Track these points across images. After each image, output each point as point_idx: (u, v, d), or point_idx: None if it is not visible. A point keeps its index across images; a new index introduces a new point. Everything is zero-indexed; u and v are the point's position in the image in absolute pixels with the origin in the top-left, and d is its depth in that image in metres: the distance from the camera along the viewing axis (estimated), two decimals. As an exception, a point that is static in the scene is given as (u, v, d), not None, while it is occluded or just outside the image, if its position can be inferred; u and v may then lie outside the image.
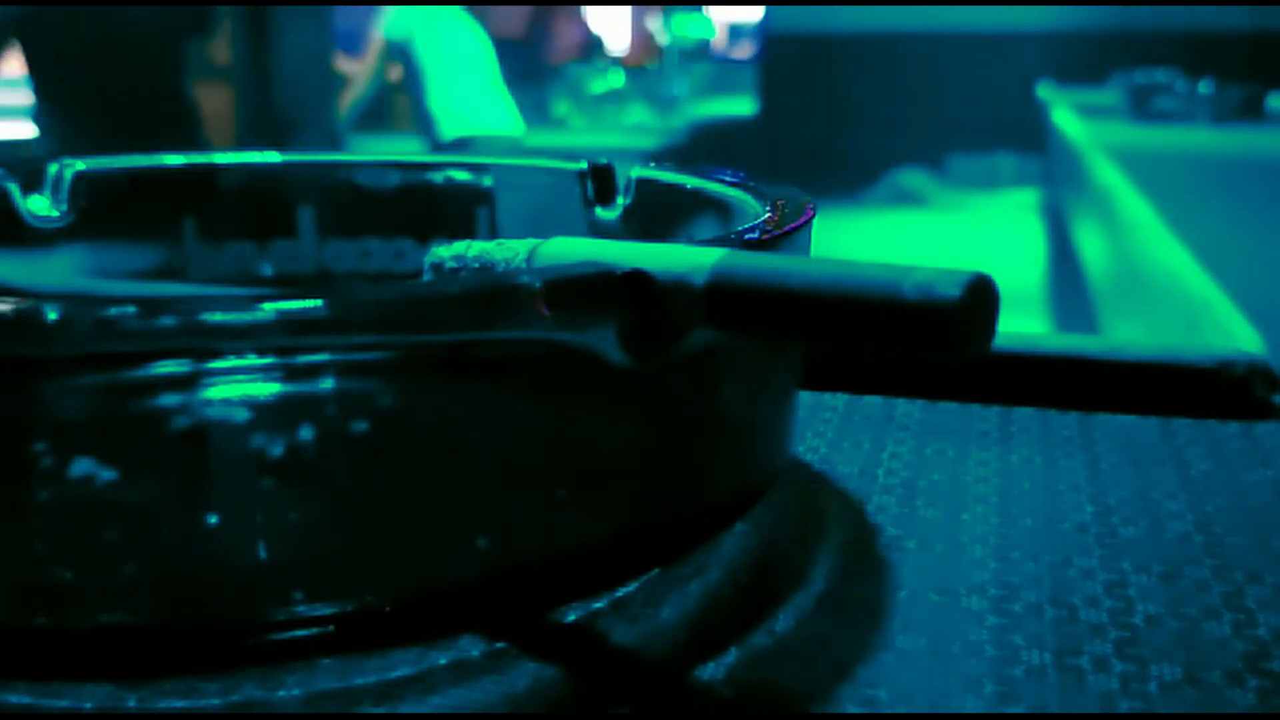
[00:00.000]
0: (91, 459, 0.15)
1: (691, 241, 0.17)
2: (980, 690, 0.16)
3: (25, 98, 1.74)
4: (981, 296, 0.14)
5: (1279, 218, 1.02)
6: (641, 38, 4.34)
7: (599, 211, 0.29)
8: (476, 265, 0.21)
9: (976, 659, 0.17)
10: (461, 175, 0.31)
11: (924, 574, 0.20)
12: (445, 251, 0.22)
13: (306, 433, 0.16)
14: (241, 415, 0.15)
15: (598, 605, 0.18)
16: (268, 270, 0.31)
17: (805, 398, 0.29)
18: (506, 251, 0.20)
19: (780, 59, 3.83)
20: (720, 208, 0.25)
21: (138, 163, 0.31)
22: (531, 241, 0.20)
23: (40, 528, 0.15)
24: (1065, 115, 2.03)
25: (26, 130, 1.81)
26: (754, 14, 4.01)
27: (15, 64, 1.82)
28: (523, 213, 0.31)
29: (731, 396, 0.20)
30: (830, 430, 0.27)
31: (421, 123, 2.29)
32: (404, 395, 0.16)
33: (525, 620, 0.18)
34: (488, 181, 0.31)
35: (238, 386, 0.15)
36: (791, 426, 0.23)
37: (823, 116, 3.74)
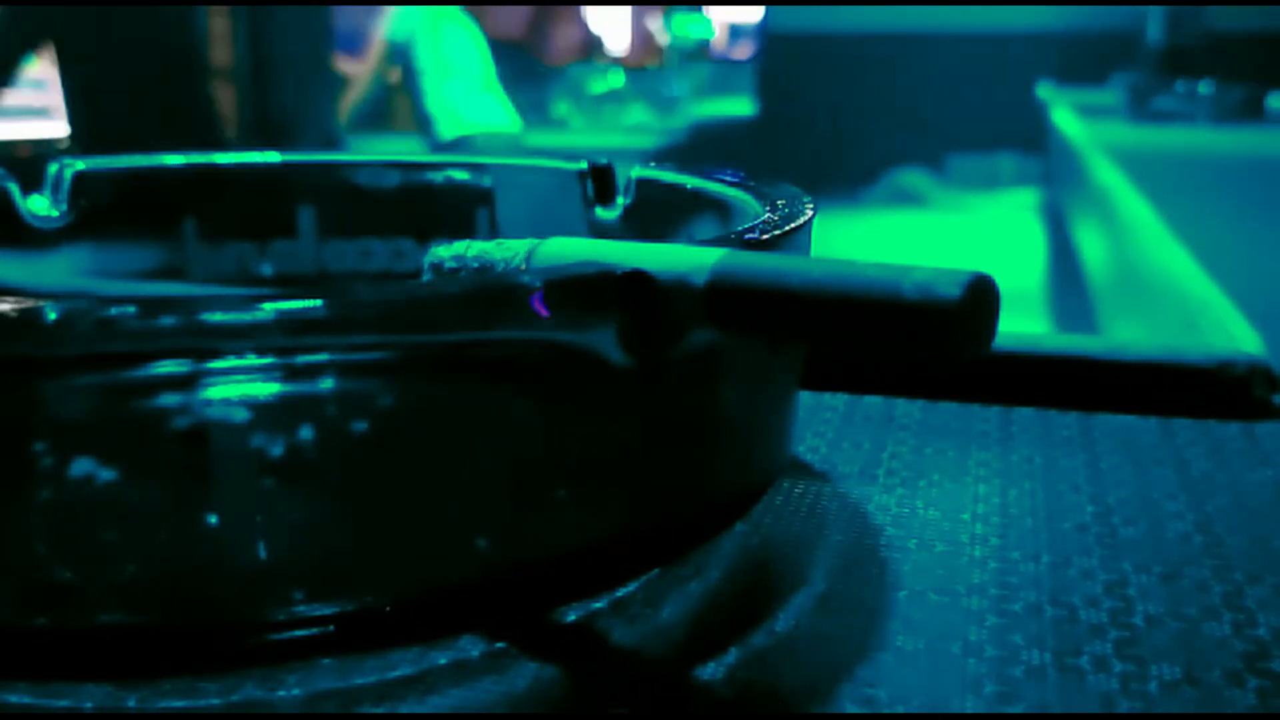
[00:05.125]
0: (91, 459, 0.15)
1: (691, 241, 0.17)
2: (980, 690, 0.16)
3: (49, 98, 1.75)
4: (982, 296, 0.14)
5: (1279, 218, 1.02)
6: (641, 38, 4.34)
7: (599, 211, 0.29)
8: (476, 265, 0.21)
9: (976, 659, 0.17)
10: (461, 175, 0.31)
11: (924, 574, 0.20)
12: (445, 251, 0.22)
13: (306, 433, 0.16)
14: (241, 415, 0.15)
15: (598, 605, 0.18)
16: (268, 270, 0.31)
17: (805, 398, 0.29)
18: (506, 251, 0.20)
19: (780, 59, 3.82)
20: (720, 208, 0.25)
21: (138, 163, 0.31)
22: (530, 241, 0.20)
23: (40, 528, 0.15)
24: (1065, 115, 2.03)
25: (55, 129, 1.82)
26: (754, 14, 4.01)
27: (41, 64, 1.83)
28: (523, 213, 0.31)
29: (731, 396, 0.20)
30: (830, 430, 0.27)
31: (421, 123, 2.31)
32: (404, 395, 0.16)
33: (525, 620, 0.18)
34: (488, 181, 0.31)
35: (238, 386, 0.15)
36: (792, 426, 0.23)
37: (823, 116, 3.73)
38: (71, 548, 0.16)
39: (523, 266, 0.20)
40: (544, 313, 0.16)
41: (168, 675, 0.16)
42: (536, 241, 0.20)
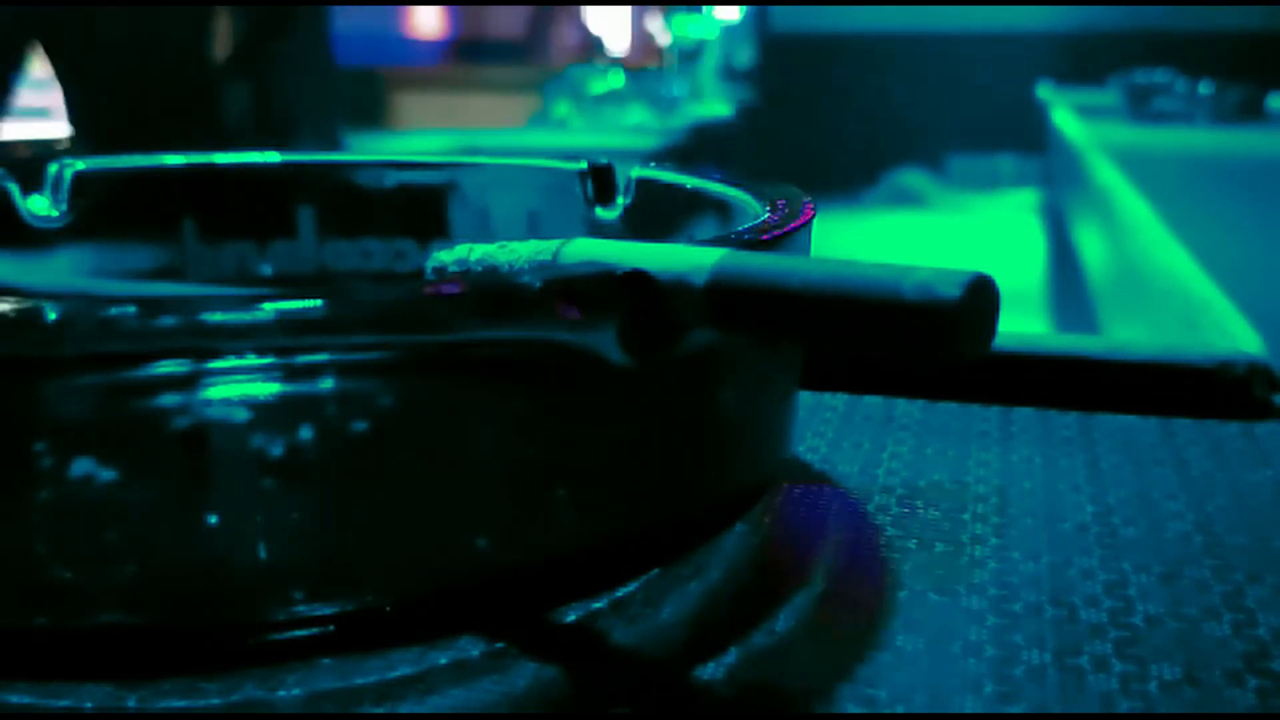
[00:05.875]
0: (91, 459, 0.15)
1: (692, 241, 0.17)
2: (980, 690, 0.16)
3: (49, 98, 1.75)
4: (982, 296, 0.14)
5: (1279, 218, 1.02)
6: (641, 38, 4.34)
7: (599, 211, 0.29)
8: (479, 269, 0.21)
9: (976, 659, 0.17)
10: (461, 175, 0.31)
11: (924, 574, 0.20)
12: (447, 256, 0.22)
13: (306, 433, 0.16)
14: (241, 415, 0.15)
15: (598, 605, 0.18)
16: (268, 270, 0.31)
17: (805, 398, 0.29)
18: (510, 254, 0.20)
19: (780, 59, 3.82)
20: (720, 208, 0.25)
21: (138, 162, 0.31)
22: (534, 243, 0.20)
23: (40, 528, 0.15)
24: (1065, 115, 2.03)
25: (55, 129, 1.82)
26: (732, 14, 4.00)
27: (41, 65, 1.83)
28: (523, 213, 0.31)
29: (731, 396, 0.20)
30: (830, 430, 0.27)
31: None
32: (404, 395, 0.16)
33: (525, 620, 0.18)
34: (487, 181, 0.31)
35: (238, 386, 0.15)
36: (791, 426, 0.23)
37: (822, 116, 3.73)
38: (71, 548, 0.16)
39: (525, 268, 0.20)
40: (574, 314, 0.16)
41: (168, 675, 0.16)
42: (561, 242, 0.20)
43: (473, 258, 0.21)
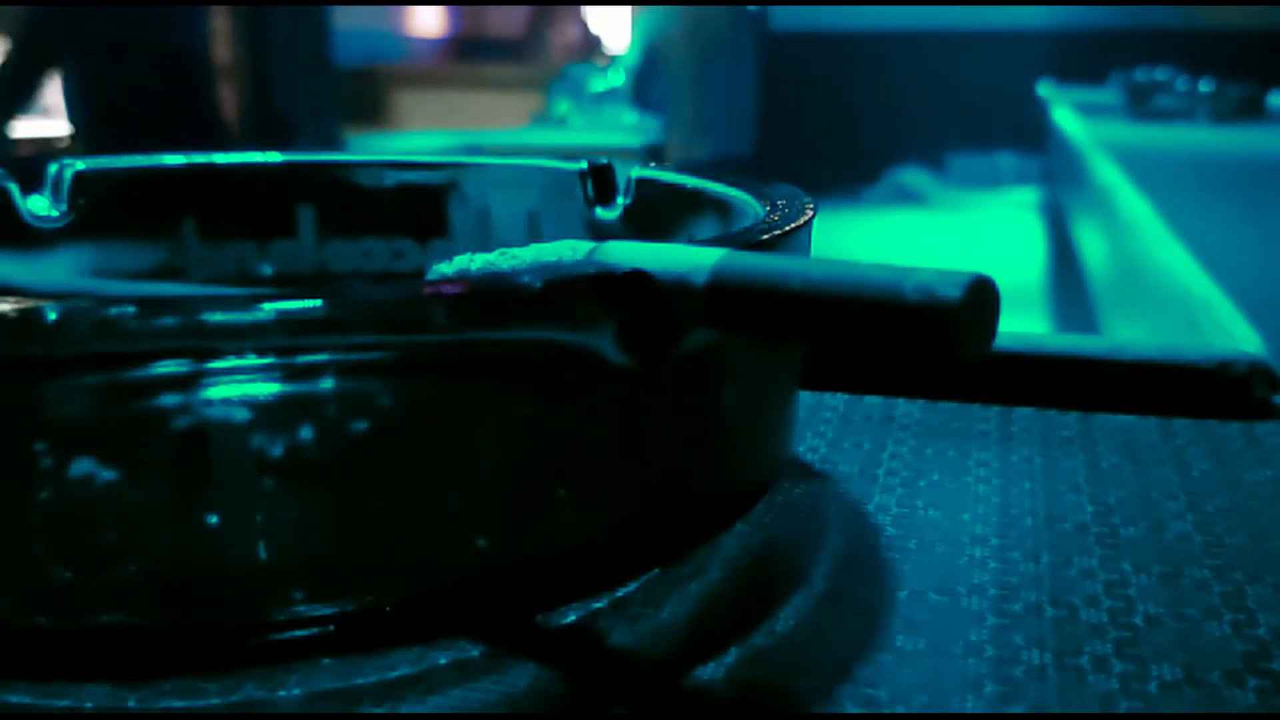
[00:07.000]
0: (91, 459, 0.15)
1: (692, 241, 0.17)
2: (980, 690, 0.16)
3: (48, 98, 1.76)
4: (982, 297, 0.14)
5: (1279, 218, 1.02)
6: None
7: (599, 211, 0.29)
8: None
9: (976, 659, 0.17)
10: (461, 175, 0.31)
11: (924, 574, 0.20)
12: (447, 268, 0.21)
13: (306, 432, 0.16)
14: (241, 415, 0.15)
15: (598, 605, 0.18)
16: (268, 270, 0.31)
17: (805, 398, 0.29)
18: (512, 261, 0.20)
19: (780, 59, 3.82)
20: (720, 208, 0.25)
21: (138, 163, 0.31)
22: (535, 248, 0.20)
23: (40, 528, 0.15)
24: (1065, 113, 2.03)
25: (55, 129, 1.83)
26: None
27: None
28: (523, 213, 0.31)
29: (731, 396, 0.20)
30: (830, 430, 0.27)
31: None
32: (403, 395, 0.16)
33: (525, 620, 0.18)
34: (487, 181, 0.31)
35: (238, 386, 0.15)
36: (792, 426, 0.23)
37: (823, 115, 3.73)
38: (71, 548, 0.16)
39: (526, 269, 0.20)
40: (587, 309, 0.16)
41: (168, 675, 0.16)
42: (594, 245, 0.19)
43: (474, 267, 0.21)
